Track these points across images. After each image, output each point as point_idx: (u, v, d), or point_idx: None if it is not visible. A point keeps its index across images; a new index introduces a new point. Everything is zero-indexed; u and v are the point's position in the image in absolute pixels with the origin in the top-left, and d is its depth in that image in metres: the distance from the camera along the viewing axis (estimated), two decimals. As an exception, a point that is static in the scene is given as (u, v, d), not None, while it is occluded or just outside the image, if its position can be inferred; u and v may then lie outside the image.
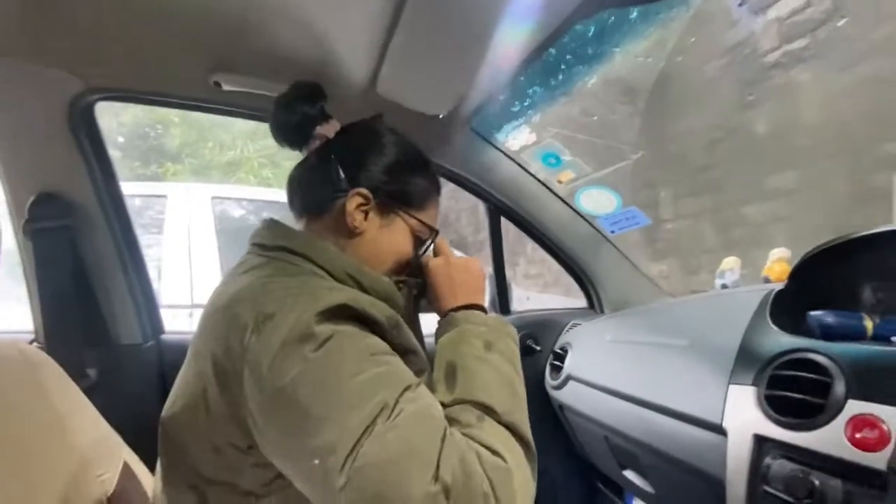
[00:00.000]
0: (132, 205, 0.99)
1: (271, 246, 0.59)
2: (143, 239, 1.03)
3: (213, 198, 2.01)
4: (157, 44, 0.82)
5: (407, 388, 0.45)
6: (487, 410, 0.48)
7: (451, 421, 0.46)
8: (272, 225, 0.61)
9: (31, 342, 0.91)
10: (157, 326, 1.02)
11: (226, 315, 0.50)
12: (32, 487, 0.54)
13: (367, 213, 0.61)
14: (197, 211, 1.93)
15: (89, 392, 0.69)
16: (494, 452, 0.44)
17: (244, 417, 0.47)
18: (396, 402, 0.43)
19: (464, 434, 0.44)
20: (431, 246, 0.68)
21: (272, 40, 0.82)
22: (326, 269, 0.57)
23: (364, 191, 0.60)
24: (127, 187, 1.00)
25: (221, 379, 0.48)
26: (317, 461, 0.41)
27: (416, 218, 0.64)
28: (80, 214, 0.89)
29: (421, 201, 0.65)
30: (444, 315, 0.62)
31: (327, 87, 0.93)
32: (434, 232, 0.67)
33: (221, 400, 0.48)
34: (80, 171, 0.89)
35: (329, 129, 0.66)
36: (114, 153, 0.95)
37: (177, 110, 4.65)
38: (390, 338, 0.51)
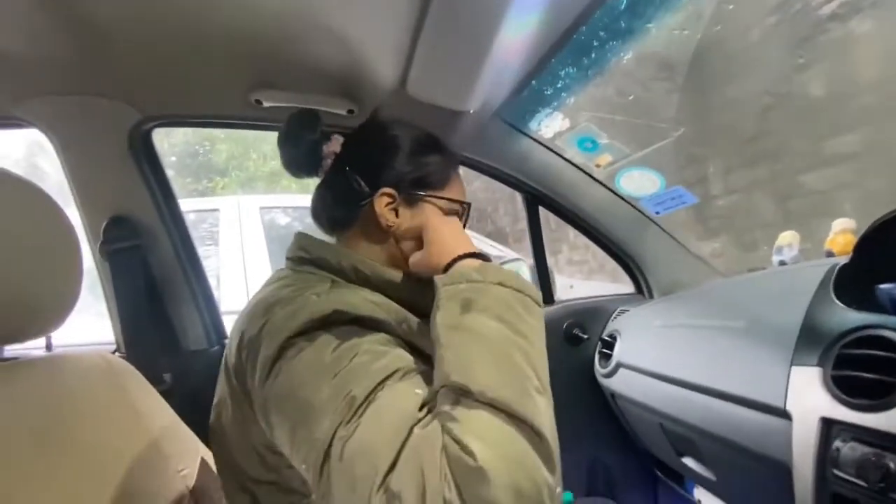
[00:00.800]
0: (188, 220, 1.07)
1: (293, 257, 0.63)
2: (201, 251, 1.10)
3: (262, 208, 2.12)
4: (203, 70, 0.88)
5: (388, 377, 0.42)
6: (462, 392, 0.40)
7: (436, 413, 0.41)
8: (298, 237, 0.64)
9: (113, 352, 1.01)
10: (220, 332, 1.09)
11: (235, 329, 0.55)
12: (122, 483, 0.60)
13: (396, 209, 0.62)
14: (247, 221, 2.05)
15: (166, 395, 0.76)
16: (463, 448, 0.36)
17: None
18: (371, 391, 0.41)
19: (444, 427, 0.38)
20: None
21: (307, 53, 0.86)
22: (342, 270, 0.59)
23: (388, 189, 0.61)
24: (182, 204, 1.08)
25: (237, 386, 0.53)
26: (304, 466, 0.44)
27: (443, 197, 0.64)
28: (148, 234, 0.97)
29: (442, 180, 0.65)
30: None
31: (360, 93, 0.96)
32: (465, 205, 0.67)
33: (242, 406, 0.53)
34: (144, 194, 0.97)
35: (335, 145, 0.67)
36: (168, 172, 1.03)
37: (221, 127, 4.90)
38: (400, 334, 0.51)
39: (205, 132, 5.35)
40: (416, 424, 0.39)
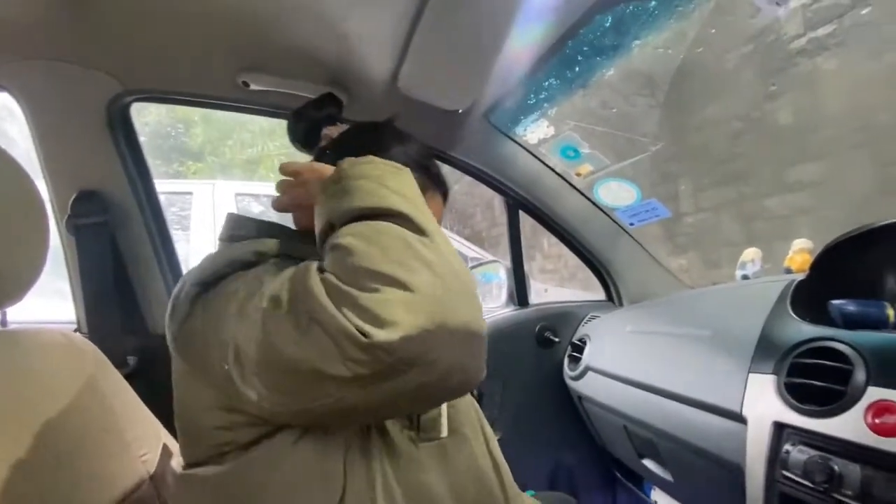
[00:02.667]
0: (158, 201, 1.04)
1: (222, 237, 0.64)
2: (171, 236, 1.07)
3: (237, 194, 2.07)
4: (189, 46, 0.86)
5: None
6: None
7: None
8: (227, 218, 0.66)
9: (74, 331, 0.97)
10: (189, 317, 1.06)
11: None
12: (80, 465, 0.58)
13: None
14: (222, 207, 2.00)
15: (129, 378, 0.73)
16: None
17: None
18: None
19: None
20: None
21: (297, 39, 0.85)
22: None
23: None
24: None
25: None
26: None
27: None
28: (118, 211, 0.94)
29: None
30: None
31: (349, 84, 0.96)
32: None
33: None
34: (118, 169, 0.94)
35: (333, 131, 0.69)
36: (137, 151, 1.00)
37: (199, 110, 4.78)
38: None
39: (179, 113, 5.18)
40: None
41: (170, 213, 1.99)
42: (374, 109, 0.99)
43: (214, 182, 2.10)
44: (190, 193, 2.02)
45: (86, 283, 0.91)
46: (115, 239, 0.94)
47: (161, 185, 1.04)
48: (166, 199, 2.11)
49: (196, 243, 1.90)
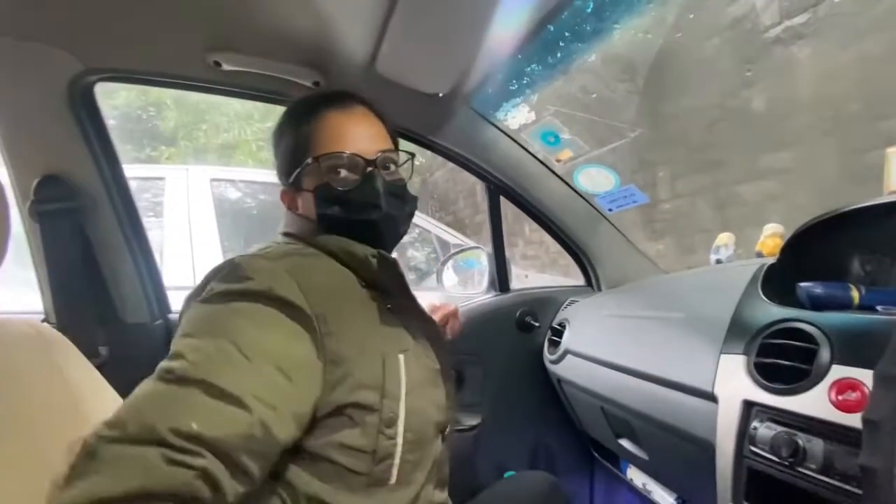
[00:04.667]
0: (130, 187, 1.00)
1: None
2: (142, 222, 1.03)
3: (213, 180, 2.01)
4: (156, 23, 0.82)
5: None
6: None
7: None
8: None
9: (41, 322, 0.93)
10: (164, 306, 1.04)
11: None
12: (52, 460, 0.56)
13: None
14: (196, 193, 1.94)
15: (101, 369, 0.71)
16: None
17: None
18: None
19: None
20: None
21: (271, 18, 0.82)
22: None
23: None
24: (125, 170, 1.00)
25: None
26: None
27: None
28: (85, 196, 0.90)
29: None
30: None
31: (326, 65, 0.94)
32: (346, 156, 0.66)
33: None
34: (83, 153, 0.90)
35: None
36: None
37: (171, 92, 4.61)
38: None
39: (151, 97, 4.97)
40: None
41: (143, 200, 1.93)
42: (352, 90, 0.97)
43: (188, 167, 2.04)
44: (162, 179, 1.96)
45: (52, 271, 0.88)
46: (82, 225, 0.90)
47: (132, 171, 1.00)
48: (138, 184, 2.04)
49: (170, 230, 1.85)
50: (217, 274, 0.56)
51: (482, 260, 1.41)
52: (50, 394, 0.60)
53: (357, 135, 0.65)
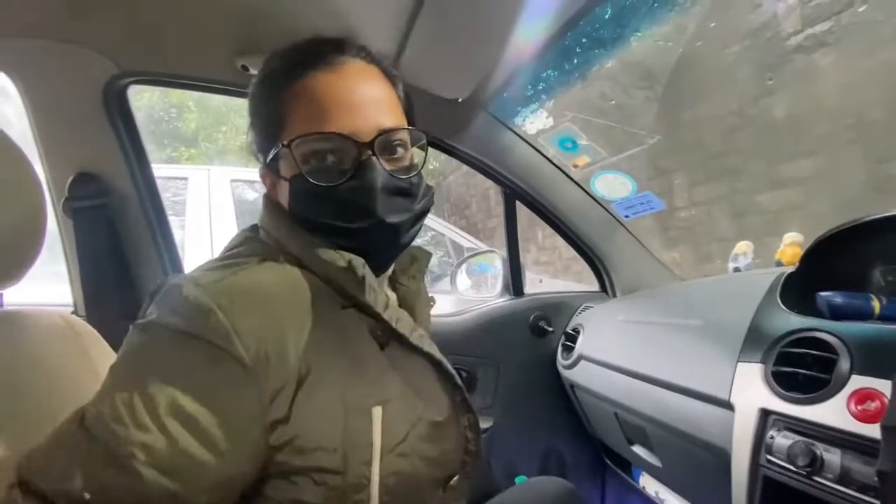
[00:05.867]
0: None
1: None
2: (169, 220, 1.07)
3: (233, 181, 2.06)
4: (188, 27, 0.85)
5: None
6: None
7: None
8: None
9: (71, 314, 0.97)
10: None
11: None
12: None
13: None
14: (217, 193, 1.98)
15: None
16: None
17: None
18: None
19: None
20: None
21: (297, 23, 0.84)
22: None
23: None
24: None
25: None
26: None
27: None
28: (116, 194, 0.93)
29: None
30: None
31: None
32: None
33: None
34: (115, 152, 0.93)
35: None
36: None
37: (193, 95, 4.71)
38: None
39: (173, 98, 5.10)
40: None
41: (164, 199, 1.97)
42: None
43: (210, 168, 2.09)
44: (185, 179, 2.01)
45: (83, 266, 0.91)
46: (112, 222, 0.94)
47: (156, 170, 1.03)
48: (161, 183, 2.09)
49: (191, 229, 1.89)
50: (154, 296, 0.45)
51: (496, 264, 1.41)
52: (79, 382, 0.62)
53: (348, 105, 0.48)
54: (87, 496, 0.36)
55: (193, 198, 1.95)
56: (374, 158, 0.48)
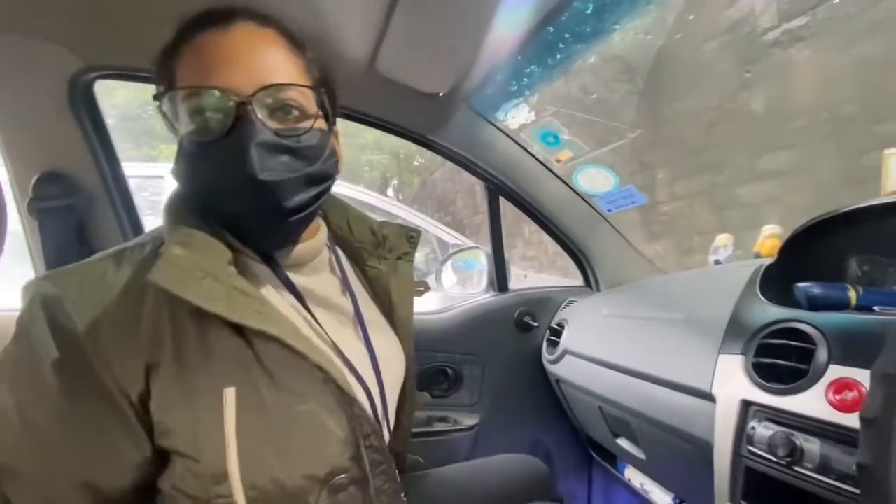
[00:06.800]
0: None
1: None
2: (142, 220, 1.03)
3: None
4: (155, 21, 0.81)
5: None
6: None
7: None
8: None
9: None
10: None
11: None
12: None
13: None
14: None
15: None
16: None
17: None
18: None
19: None
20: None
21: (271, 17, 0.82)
22: None
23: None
24: (125, 168, 1.00)
25: None
26: None
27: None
28: (84, 193, 0.90)
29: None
30: None
31: (325, 65, 0.94)
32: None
33: None
34: (82, 150, 0.89)
35: None
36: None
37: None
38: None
39: (149, 95, 4.96)
40: None
41: (141, 198, 1.92)
42: (353, 90, 0.97)
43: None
44: (161, 177, 1.96)
45: (49, 267, 0.88)
46: (81, 223, 0.90)
47: (131, 169, 0.99)
48: (137, 183, 2.04)
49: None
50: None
51: (481, 260, 1.41)
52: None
53: (228, 61, 0.46)
54: None
55: (170, 197, 1.90)
56: (251, 114, 0.46)
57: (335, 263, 0.63)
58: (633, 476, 1.12)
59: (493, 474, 0.87)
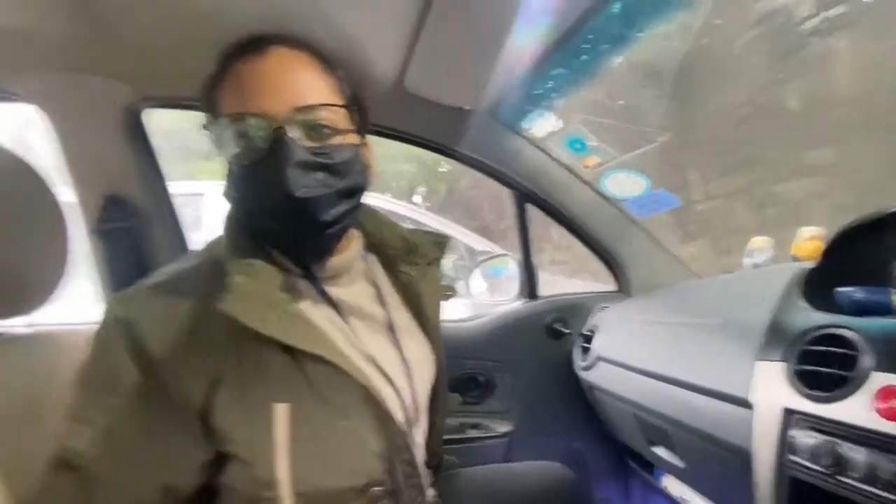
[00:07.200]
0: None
1: None
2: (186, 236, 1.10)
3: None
4: (199, 53, 0.87)
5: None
6: None
7: None
8: None
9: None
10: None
11: None
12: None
13: None
14: (234, 208, 2.02)
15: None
16: None
17: None
18: None
19: None
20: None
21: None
22: None
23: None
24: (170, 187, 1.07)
25: None
26: None
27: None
28: (139, 215, 0.97)
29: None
30: None
31: (357, 84, 0.98)
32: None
33: None
34: (135, 175, 0.97)
35: None
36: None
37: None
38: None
39: (187, 115, 5.22)
40: None
41: (184, 215, 2.02)
42: (382, 108, 1.01)
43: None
44: (201, 195, 2.06)
45: (114, 284, 0.95)
46: (138, 241, 0.97)
47: (174, 187, 1.06)
48: (180, 201, 2.15)
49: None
50: None
51: (510, 267, 1.42)
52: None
53: (265, 87, 0.50)
54: None
55: (208, 214, 2.00)
56: (285, 136, 0.49)
57: (369, 271, 0.67)
58: (672, 485, 1.10)
59: (521, 478, 0.89)
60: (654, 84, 2.92)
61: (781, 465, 0.62)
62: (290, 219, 0.51)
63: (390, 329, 0.63)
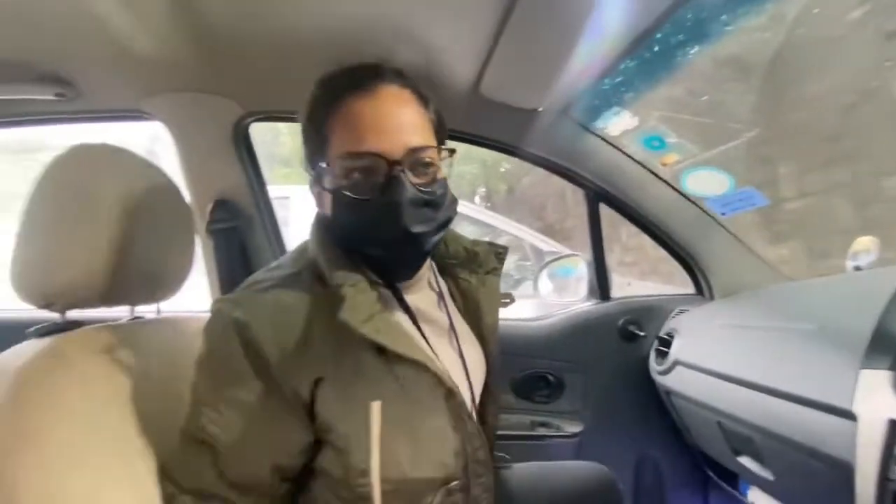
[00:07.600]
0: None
1: None
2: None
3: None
4: (297, 69, 0.97)
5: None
6: None
7: None
8: None
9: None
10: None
11: None
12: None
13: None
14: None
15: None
16: None
17: None
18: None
19: None
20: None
21: (389, 54, 0.93)
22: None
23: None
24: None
25: None
26: None
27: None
28: (244, 216, 1.10)
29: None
30: None
31: (434, 91, 1.03)
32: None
33: None
34: (242, 181, 1.10)
35: None
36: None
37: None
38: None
39: (269, 124, 5.66)
40: None
41: (280, 217, 2.22)
42: (458, 113, 1.05)
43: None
44: (287, 198, 2.23)
45: (222, 277, 1.08)
46: (243, 240, 1.10)
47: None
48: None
49: (294, 244, 2.10)
50: None
51: (580, 267, 1.41)
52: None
53: (380, 128, 0.55)
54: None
55: (295, 216, 2.17)
56: (402, 175, 0.54)
57: (432, 279, 0.72)
58: (759, 499, 1.04)
59: (561, 476, 0.90)
60: (742, 78, 2.72)
61: (886, 479, 0.58)
62: (402, 250, 0.58)
63: (451, 332, 0.68)
